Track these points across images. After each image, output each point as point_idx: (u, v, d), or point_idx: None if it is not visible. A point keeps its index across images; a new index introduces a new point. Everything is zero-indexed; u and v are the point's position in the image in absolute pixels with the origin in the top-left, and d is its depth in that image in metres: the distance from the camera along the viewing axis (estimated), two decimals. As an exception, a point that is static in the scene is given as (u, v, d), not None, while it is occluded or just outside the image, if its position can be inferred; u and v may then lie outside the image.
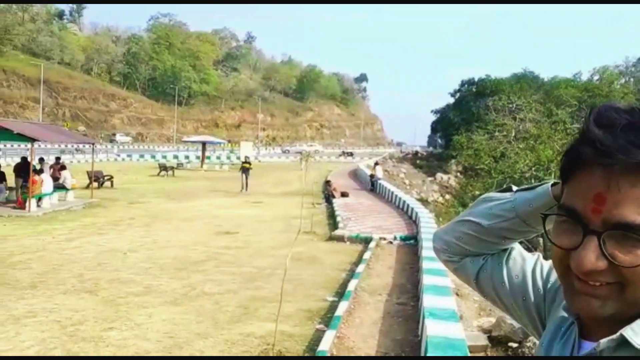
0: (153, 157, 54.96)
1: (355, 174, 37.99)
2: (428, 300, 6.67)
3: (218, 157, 56.50)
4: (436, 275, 8.02)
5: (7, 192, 19.47)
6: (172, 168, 37.10)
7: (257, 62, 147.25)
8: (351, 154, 77.10)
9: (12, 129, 17.78)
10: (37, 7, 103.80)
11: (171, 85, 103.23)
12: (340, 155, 75.20)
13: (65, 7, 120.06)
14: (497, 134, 35.84)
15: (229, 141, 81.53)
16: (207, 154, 50.13)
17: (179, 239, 13.47)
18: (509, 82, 56.34)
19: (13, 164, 26.14)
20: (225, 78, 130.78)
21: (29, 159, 18.67)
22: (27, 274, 9.67)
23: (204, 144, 48.96)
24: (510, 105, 39.86)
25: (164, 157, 53.41)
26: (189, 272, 10.02)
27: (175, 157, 54.41)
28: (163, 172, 35.43)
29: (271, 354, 6.17)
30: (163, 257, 11.27)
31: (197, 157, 52.73)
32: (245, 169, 27.04)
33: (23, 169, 18.57)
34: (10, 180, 19.80)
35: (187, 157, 54.78)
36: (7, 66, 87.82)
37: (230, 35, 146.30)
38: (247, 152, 57.47)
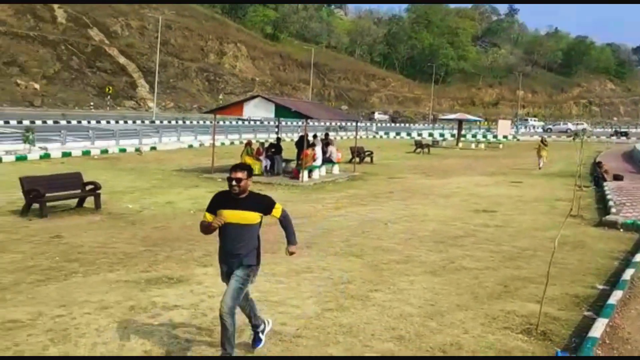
0: (409, 134, 56.42)
1: (630, 156, 33.89)
2: None
3: (474, 136, 55.54)
4: None
5: (284, 164, 21.96)
6: (427, 146, 37.67)
7: (518, 36, 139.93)
8: (626, 134, 68.82)
9: (290, 107, 19.93)
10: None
11: (428, 64, 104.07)
12: (612, 135, 67.67)
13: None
14: None
15: (486, 119, 79.45)
16: (462, 132, 49.58)
17: (436, 214, 13.71)
18: None
19: (288, 140, 29.28)
20: (484, 54, 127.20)
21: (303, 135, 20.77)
22: (302, 235, 10.79)
23: (460, 121, 48.53)
24: None
25: (420, 135, 54.41)
26: (447, 246, 10.17)
27: (431, 135, 55.03)
28: (419, 150, 36.20)
29: (534, 335, 5.99)
30: (422, 230, 11.61)
31: (452, 135, 52.56)
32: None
33: (300, 144, 20.78)
34: (290, 153, 22.37)
35: (442, 135, 54.99)
36: (283, 51, 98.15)
37: (491, 10, 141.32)
38: (505, 130, 55.54)
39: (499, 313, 6.64)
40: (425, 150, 36.47)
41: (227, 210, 4.87)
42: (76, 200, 13.07)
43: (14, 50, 57.92)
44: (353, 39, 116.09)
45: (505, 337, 5.96)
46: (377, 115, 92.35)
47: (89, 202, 13.08)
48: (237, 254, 4.95)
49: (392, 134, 56.64)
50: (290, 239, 5.25)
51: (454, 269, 8.62)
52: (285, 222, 5.20)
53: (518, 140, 56.32)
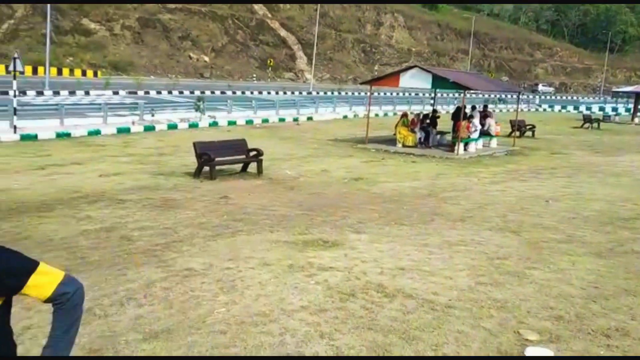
0: (576, 108, 52.34)
1: None
2: None
3: (653, 110, 49.99)
4: None
5: (439, 136, 21.59)
6: (597, 120, 34.72)
7: None
8: None
9: (448, 77, 19.45)
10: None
11: (603, 31, 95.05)
12: None
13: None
14: None
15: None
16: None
17: (604, 193, 12.71)
18: None
19: (443, 112, 28.69)
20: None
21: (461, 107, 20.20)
22: (457, 208, 10.68)
23: (637, 94, 43.91)
24: None
25: (589, 108, 50.23)
26: (616, 228, 9.41)
27: (601, 109, 50.55)
28: (587, 124, 33.54)
29: None
30: (587, 209, 10.84)
31: (627, 110, 47.84)
32: None
33: (457, 115, 20.27)
34: (445, 126, 21.94)
35: (614, 109, 50.24)
36: (441, 20, 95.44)
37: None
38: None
39: (675, 302, 6.06)
40: (595, 125, 33.66)
41: None
42: (241, 165, 14.04)
43: (187, 25, 62.72)
44: (517, 6, 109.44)
45: (681, 328, 5.44)
46: (541, 87, 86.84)
47: (252, 167, 13.98)
48: None
49: (557, 107, 52.96)
50: (53, 341, 2.11)
51: (623, 252, 7.98)
52: (63, 308, 2.12)
53: None
